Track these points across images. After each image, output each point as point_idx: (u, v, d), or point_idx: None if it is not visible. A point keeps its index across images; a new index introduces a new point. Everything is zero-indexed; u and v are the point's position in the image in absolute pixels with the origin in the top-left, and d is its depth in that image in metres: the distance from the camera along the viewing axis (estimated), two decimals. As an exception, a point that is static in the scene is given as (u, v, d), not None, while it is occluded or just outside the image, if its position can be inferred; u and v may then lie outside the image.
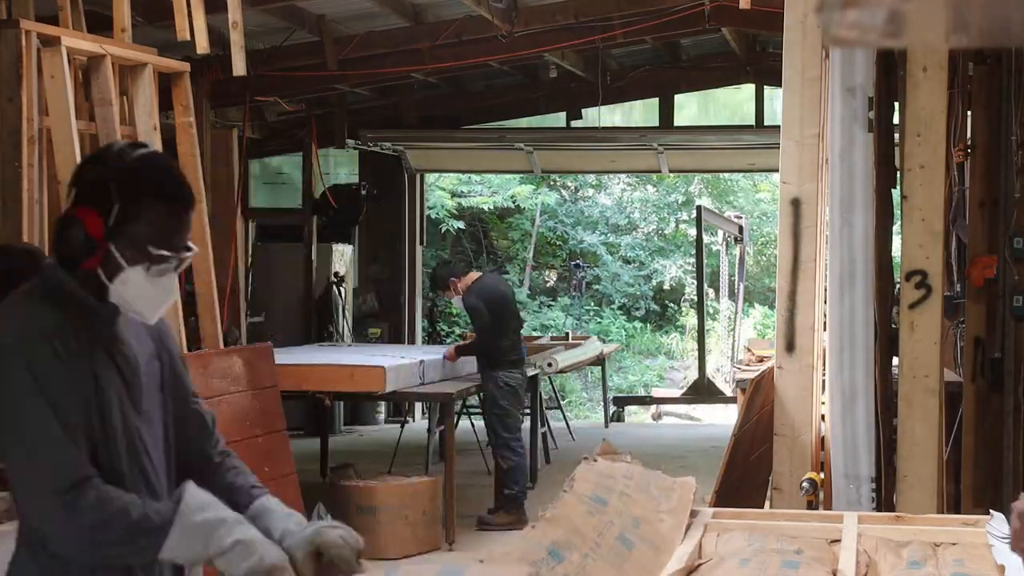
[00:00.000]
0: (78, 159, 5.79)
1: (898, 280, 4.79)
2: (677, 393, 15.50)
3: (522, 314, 18.29)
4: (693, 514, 3.29)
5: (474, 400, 11.49)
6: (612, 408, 14.07)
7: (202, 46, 6.43)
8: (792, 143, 4.98)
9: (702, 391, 14.20)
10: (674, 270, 20.42)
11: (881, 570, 2.80)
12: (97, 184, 2.45)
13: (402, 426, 11.27)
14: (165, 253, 2.43)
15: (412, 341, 13.45)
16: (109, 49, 6.14)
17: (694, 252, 16.23)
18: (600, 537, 2.92)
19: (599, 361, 12.93)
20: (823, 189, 4.99)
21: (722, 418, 13.72)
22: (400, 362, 8.30)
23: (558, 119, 12.88)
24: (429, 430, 10.93)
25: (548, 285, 20.73)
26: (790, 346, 4.89)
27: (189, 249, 2.48)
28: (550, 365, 10.34)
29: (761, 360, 8.09)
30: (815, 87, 4.95)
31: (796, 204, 4.98)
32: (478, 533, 8.29)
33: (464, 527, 8.26)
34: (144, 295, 2.46)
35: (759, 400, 5.08)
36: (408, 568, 2.19)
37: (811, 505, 4.60)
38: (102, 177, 2.45)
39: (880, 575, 2.78)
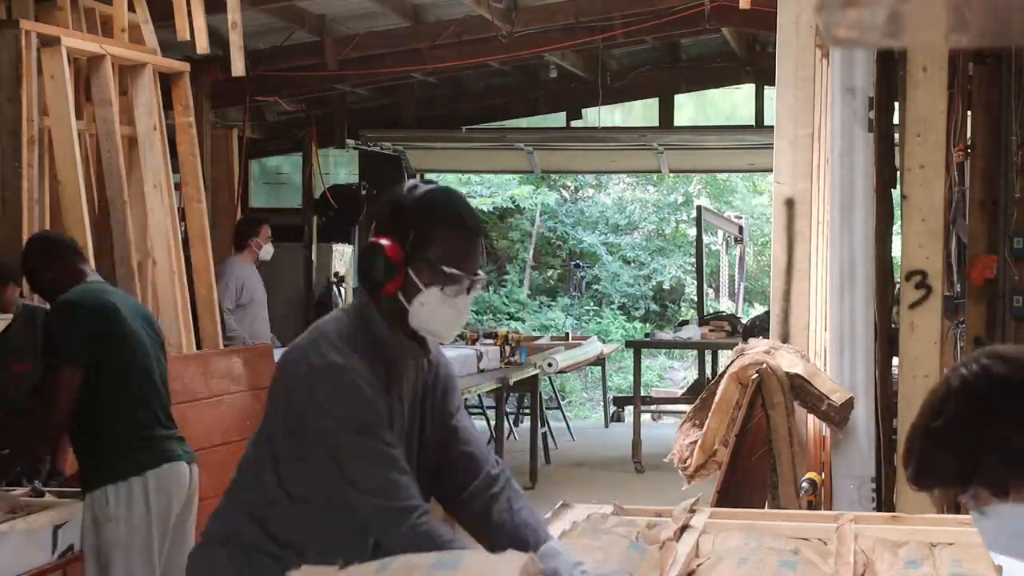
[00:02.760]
0: (78, 159, 5.80)
1: (898, 280, 4.79)
2: (677, 393, 15.50)
3: (521, 314, 18.24)
4: (692, 513, 3.29)
5: (473, 399, 11.50)
6: (612, 408, 14.07)
7: (202, 46, 6.44)
8: (786, 143, 4.98)
9: (702, 391, 14.17)
10: (674, 270, 20.42)
11: (879, 570, 2.80)
12: (393, 216, 2.67)
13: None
14: (457, 273, 2.64)
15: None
16: (109, 49, 6.14)
17: (694, 252, 16.22)
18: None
19: (599, 361, 12.93)
20: (817, 189, 4.99)
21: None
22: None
23: (558, 119, 12.88)
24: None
25: (548, 285, 20.73)
26: (789, 346, 4.89)
27: (478, 273, 2.69)
28: (550, 365, 10.34)
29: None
30: (808, 87, 4.95)
31: (790, 204, 4.98)
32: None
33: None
34: (439, 315, 2.67)
35: (759, 400, 5.07)
36: (404, 558, 2.19)
37: (811, 505, 4.60)
38: (396, 209, 2.68)
39: (877, 575, 2.78)
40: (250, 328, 9.28)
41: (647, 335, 15.95)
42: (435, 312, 2.66)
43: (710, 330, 11.97)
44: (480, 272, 2.69)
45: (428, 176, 14.54)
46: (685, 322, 13.17)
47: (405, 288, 2.65)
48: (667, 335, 13.25)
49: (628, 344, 12.89)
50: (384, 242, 2.63)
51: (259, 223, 9.42)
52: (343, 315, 2.73)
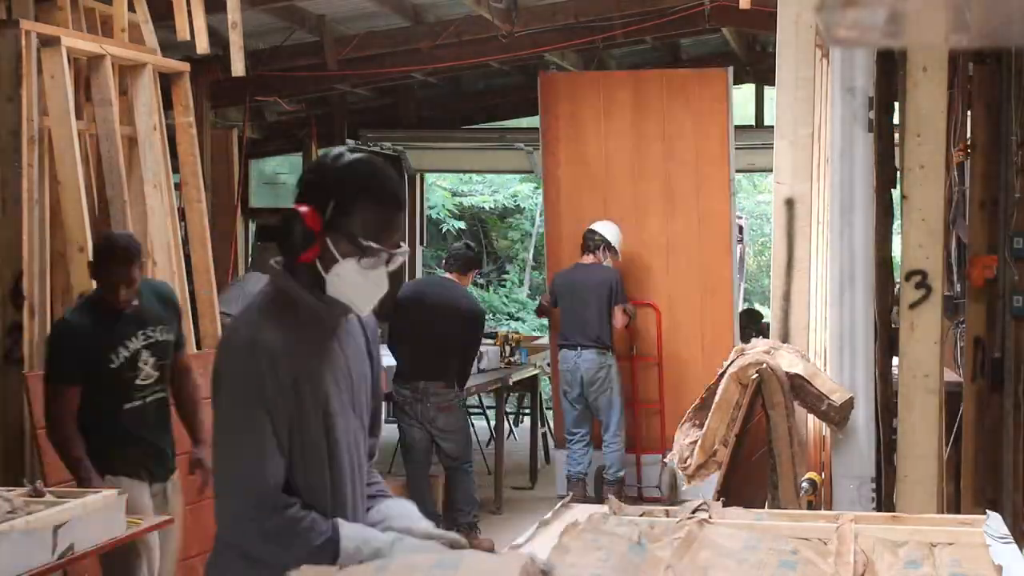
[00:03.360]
0: (78, 159, 5.80)
1: (898, 280, 4.79)
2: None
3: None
4: (693, 514, 3.29)
5: (473, 400, 11.48)
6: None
7: (202, 46, 6.44)
8: (786, 143, 4.98)
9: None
10: (674, 270, 20.39)
11: (879, 570, 2.80)
12: (315, 184, 2.68)
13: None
14: (374, 246, 2.63)
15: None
16: (109, 49, 6.14)
17: (694, 252, 16.18)
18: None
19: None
20: (817, 189, 4.99)
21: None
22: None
23: (558, 119, 12.88)
24: (429, 430, 10.91)
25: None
26: (788, 346, 4.89)
27: (399, 247, 2.68)
28: (550, 365, 10.33)
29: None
30: (808, 87, 4.95)
31: (790, 204, 4.98)
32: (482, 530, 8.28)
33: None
34: (357, 287, 2.67)
35: (759, 400, 5.07)
36: (403, 559, 2.19)
37: (811, 505, 4.60)
38: (319, 177, 2.68)
39: (877, 575, 2.78)
40: None
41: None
42: (352, 284, 2.67)
43: None
44: (401, 245, 2.69)
45: (428, 176, 14.55)
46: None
47: (322, 257, 2.66)
48: None
49: None
50: (303, 209, 2.64)
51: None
52: (266, 288, 2.77)
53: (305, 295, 2.69)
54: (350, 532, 2.66)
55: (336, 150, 2.76)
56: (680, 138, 9.36)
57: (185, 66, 6.80)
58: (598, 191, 9.46)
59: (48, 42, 5.76)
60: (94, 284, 5.18)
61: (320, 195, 2.65)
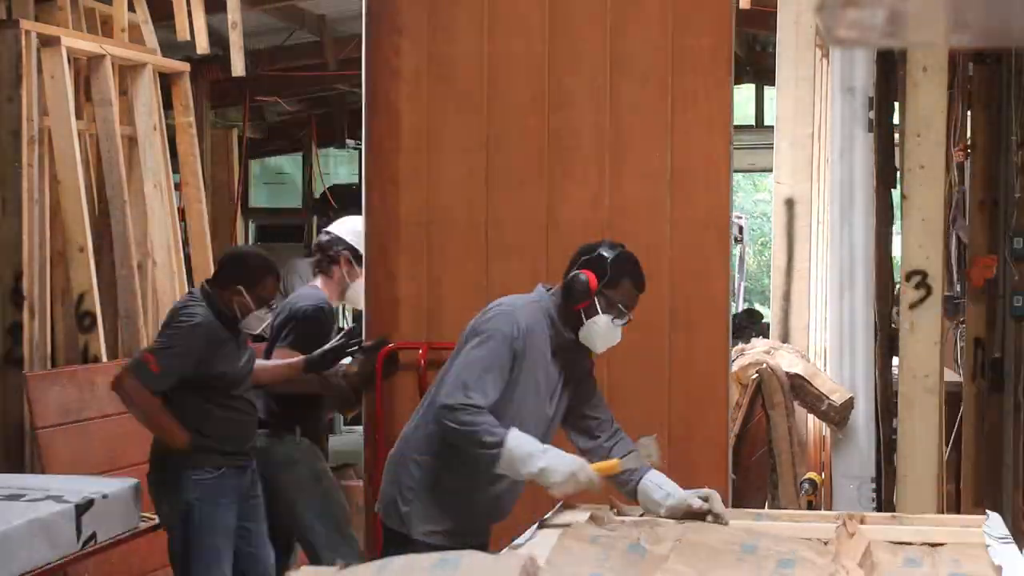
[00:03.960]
0: (78, 159, 5.80)
1: (898, 280, 4.79)
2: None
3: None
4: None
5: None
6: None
7: (202, 46, 6.44)
8: (786, 143, 4.99)
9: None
10: (674, 270, 20.39)
11: (878, 570, 2.80)
12: (599, 261, 3.66)
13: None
14: (623, 310, 3.65)
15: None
16: (109, 49, 6.14)
17: (694, 252, 16.18)
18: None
19: (599, 361, 12.88)
20: (817, 189, 4.99)
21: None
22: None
23: (558, 119, 12.85)
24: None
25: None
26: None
27: (628, 312, 3.68)
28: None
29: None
30: (808, 87, 4.95)
31: (790, 204, 4.98)
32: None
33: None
34: (604, 334, 3.66)
35: (759, 400, 5.08)
36: (403, 559, 2.19)
37: (811, 505, 4.61)
38: (603, 256, 3.66)
39: (877, 575, 2.78)
40: None
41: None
42: (600, 332, 3.65)
43: None
44: (631, 314, 3.69)
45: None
46: None
47: (588, 310, 3.64)
48: None
49: None
50: (588, 274, 3.63)
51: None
52: (539, 299, 3.74)
53: (558, 323, 3.66)
54: (516, 438, 3.40)
55: (609, 242, 3.71)
56: (639, 33, 4.75)
57: (185, 66, 6.80)
58: (474, 135, 4.79)
59: (48, 42, 5.76)
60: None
61: (600, 268, 3.64)
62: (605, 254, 3.70)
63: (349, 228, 5.11)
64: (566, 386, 3.73)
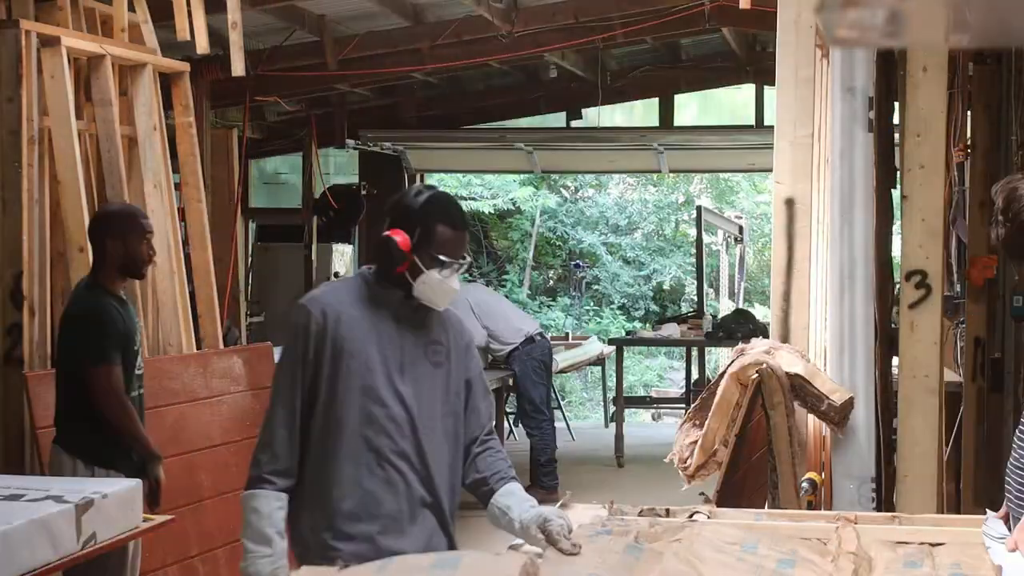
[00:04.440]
0: (78, 159, 5.80)
1: (898, 280, 4.79)
2: (677, 392, 15.50)
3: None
4: (692, 514, 3.29)
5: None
6: (612, 408, 14.08)
7: (202, 46, 6.43)
8: (786, 143, 4.98)
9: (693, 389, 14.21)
10: (674, 270, 20.42)
11: (878, 570, 2.80)
12: (404, 213, 3.46)
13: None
14: (448, 260, 3.42)
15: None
16: (109, 49, 6.14)
17: (694, 252, 16.23)
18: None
19: (599, 361, 12.92)
20: (817, 189, 4.98)
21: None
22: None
23: (558, 119, 12.87)
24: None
25: (548, 285, 20.72)
26: (788, 346, 4.88)
27: (464, 258, 3.47)
28: (550, 365, 10.34)
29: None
30: (808, 87, 4.95)
31: (790, 204, 4.97)
32: (476, 529, 8.27)
33: (464, 523, 8.24)
34: (437, 290, 3.45)
35: (759, 400, 5.07)
36: (403, 559, 2.19)
37: (811, 505, 4.60)
38: (406, 208, 3.46)
39: (877, 574, 2.78)
40: None
41: (628, 333, 16.00)
42: (433, 288, 3.45)
43: (688, 328, 12.12)
44: (466, 256, 3.50)
45: (428, 177, 14.57)
46: (665, 320, 13.29)
47: (411, 270, 3.43)
48: (649, 333, 13.35)
49: (610, 342, 12.95)
50: (397, 236, 3.43)
51: None
52: (351, 278, 3.59)
53: (375, 286, 3.47)
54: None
55: (415, 188, 3.56)
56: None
57: (185, 66, 6.80)
58: None
59: (48, 42, 5.76)
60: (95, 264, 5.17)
61: (408, 222, 3.45)
62: (409, 204, 3.48)
63: None
64: (449, 354, 3.53)
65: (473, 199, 18.89)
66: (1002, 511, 3.16)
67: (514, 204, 19.18)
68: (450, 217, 3.47)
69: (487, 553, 2.47)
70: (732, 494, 4.56)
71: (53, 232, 5.88)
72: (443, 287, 3.46)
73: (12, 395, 5.51)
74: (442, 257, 3.43)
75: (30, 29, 5.67)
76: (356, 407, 3.33)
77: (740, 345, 4.86)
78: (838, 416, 4.58)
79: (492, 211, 19.23)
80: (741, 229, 16.75)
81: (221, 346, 6.73)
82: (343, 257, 12.72)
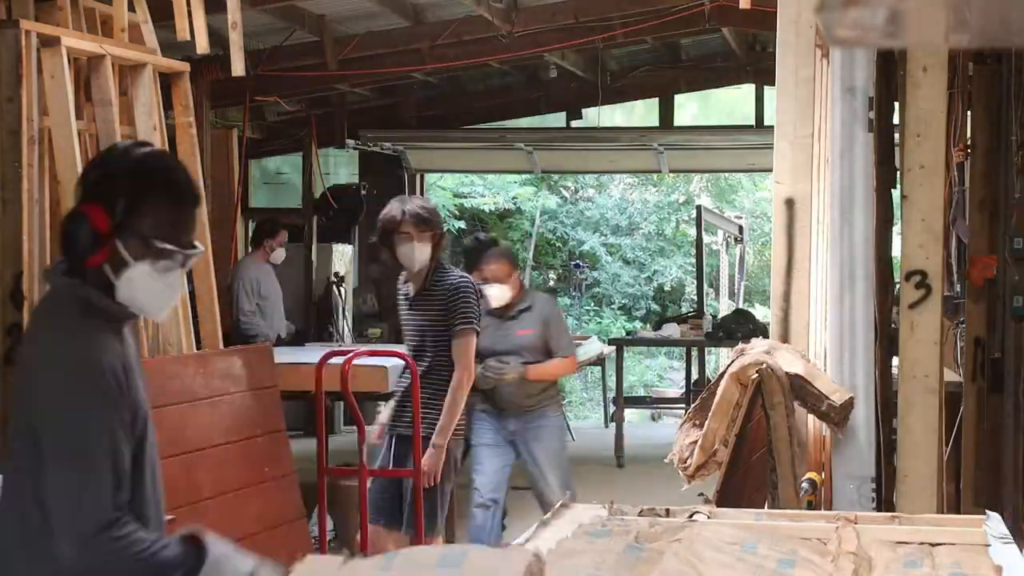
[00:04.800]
0: (78, 159, 5.79)
1: (898, 280, 4.79)
2: (677, 393, 15.51)
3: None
4: (692, 514, 3.29)
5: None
6: (612, 408, 14.08)
7: (202, 46, 6.43)
8: (786, 143, 4.98)
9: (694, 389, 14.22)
10: (674, 270, 20.42)
11: (878, 570, 2.80)
12: (102, 181, 2.49)
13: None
14: (170, 247, 2.47)
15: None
16: (109, 49, 6.14)
17: (694, 252, 16.24)
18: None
19: (599, 361, 12.92)
20: (817, 189, 4.98)
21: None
22: (399, 362, 8.29)
23: (558, 119, 12.88)
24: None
25: (548, 285, 20.73)
26: (788, 346, 4.88)
27: (195, 247, 2.51)
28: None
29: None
30: (808, 87, 4.94)
31: (790, 204, 4.97)
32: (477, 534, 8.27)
33: (464, 526, 8.25)
34: (151, 291, 2.50)
35: (759, 400, 5.07)
36: (409, 552, 2.19)
37: (811, 505, 4.60)
38: (107, 174, 2.50)
39: (876, 574, 2.78)
40: (268, 326, 9.60)
41: (629, 333, 16.01)
42: (146, 288, 2.49)
43: (688, 328, 12.14)
44: (197, 244, 2.54)
45: (428, 176, 14.55)
46: (665, 320, 13.30)
47: (112, 261, 2.47)
48: (649, 333, 13.36)
49: (610, 342, 12.96)
50: (89, 211, 2.45)
51: (277, 226, 9.82)
52: (61, 303, 2.51)
53: (104, 299, 2.49)
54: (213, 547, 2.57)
55: (122, 144, 2.66)
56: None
57: (185, 66, 6.79)
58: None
59: (48, 42, 5.76)
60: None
61: (109, 193, 2.46)
62: (113, 165, 2.52)
63: None
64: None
65: (472, 197, 18.89)
66: None
67: (514, 203, 19.18)
68: (173, 183, 2.51)
69: (492, 548, 2.47)
70: (732, 494, 4.56)
71: (53, 232, 5.88)
72: (159, 288, 2.51)
73: (12, 394, 5.50)
74: (159, 243, 2.47)
75: (30, 29, 5.67)
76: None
77: (740, 345, 4.86)
78: (838, 416, 4.58)
79: (492, 209, 19.23)
80: (741, 229, 16.76)
81: (220, 346, 6.73)
82: (343, 257, 12.73)
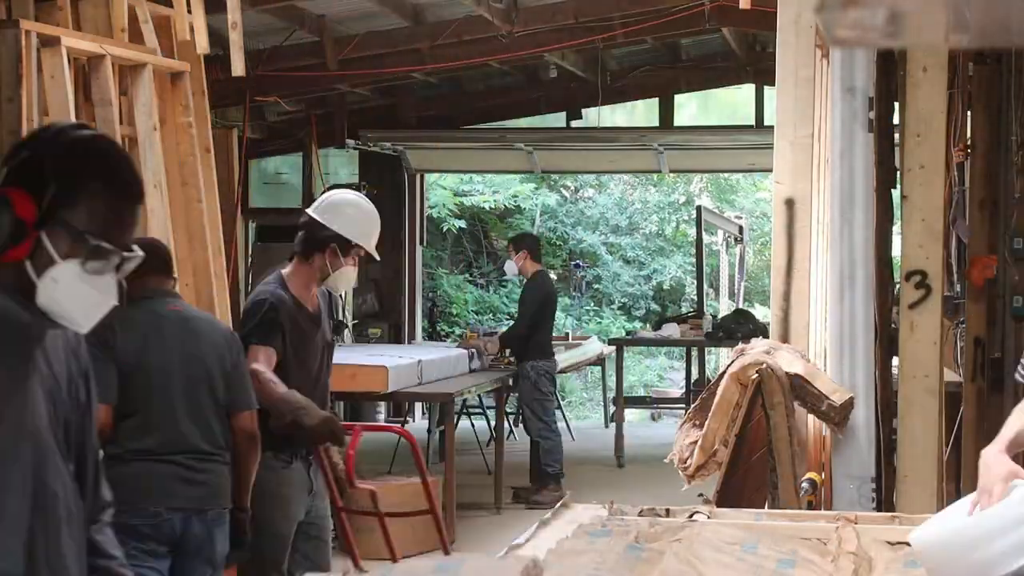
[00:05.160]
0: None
1: (898, 280, 4.79)
2: (677, 393, 15.51)
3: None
4: (692, 514, 3.29)
5: (474, 400, 11.49)
6: (612, 408, 14.08)
7: (202, 46, 6.43)
8: (786, 143, 4.98)
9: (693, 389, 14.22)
10: (674, 270, 20.42)
11: (878, 569, 2.80)
12: (31, 163, 2.13)
13: (402, 426, 11.27)
14: (105, 245, 2.12)
15: (412, 341, 13.46)
16: (109, 49, 6.14)
17: (694, 252, 16.24)
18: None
19: (599, 361, 12.92)
20: (817, 189, 4.99)
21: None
22: (400, 362, 8.31)
23: (558, 119, 12.88)
24: (429, 430, 10.94)
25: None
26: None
27: (131, 249, 2.17)
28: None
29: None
30: (808, 87, 4.95)
31: (790, 204, 4.98)
32: (478, 534, 8.28)
33: (464, 526, 8.26)
34: (78, 296, 2.12)
35: (759, 400, 5.07)
36: (404, 565, 2.19)
37: (811, 505, 4.60)
38: (37, 155, 2.15)
39: (876, 574, 2.78)
40: None
41: (629, 333, 16.03)
42: (72, 292, 2.11)
43: (688, 328, 12.16)
44: (135, 248, 2.18)
45: (428, 176, 14.55)
46: (665, 320, 13.32)
47: (34, 255, 2.10)
48: (649, 333, 13.37)
49: (610, 342, 12.97)
50: (12, 195, 2.08)
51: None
52: None
53: (8, 301, 2.12)
54: None
55: (59, 124, 2.34)
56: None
57: (185, 65, 6.79)
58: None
59: (48, 42, 5.75)
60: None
61: (37, 178, 2.10)
62: (45, 145, 2.16)
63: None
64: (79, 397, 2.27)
65: (472, 195, 18.89)
66: None
67: (514, 201, 19.18)
68: (115, 172, 2.17)
69: (488, 556, 2.47)
70: (732, 494, 4.57)
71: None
72: (88, 292, 2.12)
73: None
74: (93, 239, 2.11)
75: (30, 29, 5.67)
76: None
77: (740, 345, 4.87)
78: (838, 416, 4.58)
79: (492, 207, 19.23)
80: (741, 229, 16.75)
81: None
82: (343, 257, 12.71)
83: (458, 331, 16.21)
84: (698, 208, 15.32)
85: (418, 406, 12.87)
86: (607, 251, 20.26)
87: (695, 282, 16.97)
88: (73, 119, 5.80)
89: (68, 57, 5.85)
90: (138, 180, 2.25)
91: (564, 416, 13.25)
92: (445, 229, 18.30)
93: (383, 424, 5.83)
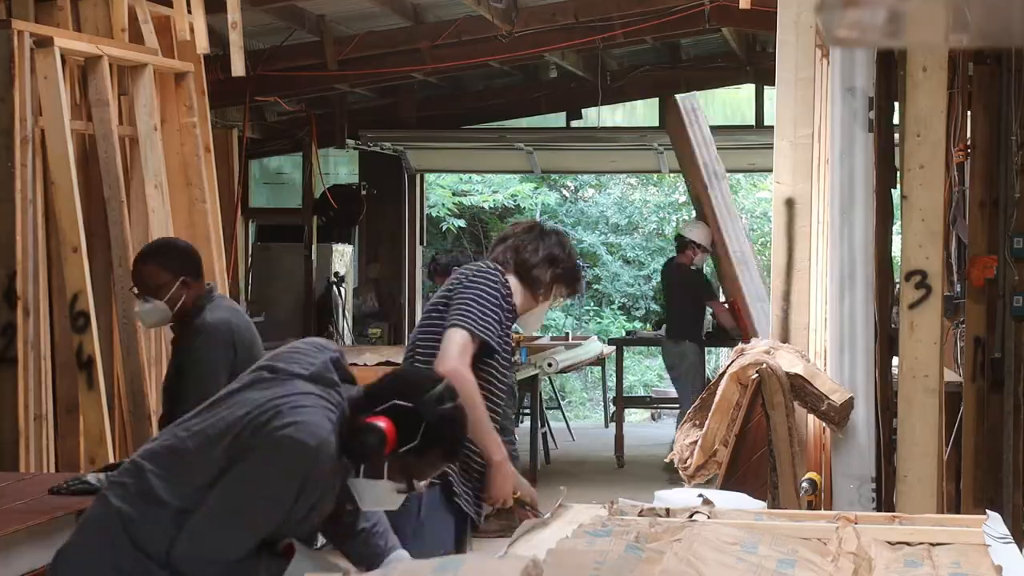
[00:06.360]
0: (71, 160, 5.77)
1: (898, 280, 4.79)
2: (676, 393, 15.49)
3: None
4: (692, 513, 3.29)
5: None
6: (612, 408, 14.08)
7: (202, 46, 6.43)
8: (786, 143, 4.98)
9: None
10: (674, 270, 20.40)
11: (878, 569, 2.79)
12: (411, 417, 2.84)
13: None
14: (418, 486, 2.88)
15: (412, 341, 13.44)
16: (106, 50, 6.12)
17: (694, 252, 16.20)
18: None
19: (599, 361, 12.91)
20: (817, 189, 4.99)
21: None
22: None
23: (558, 119, 12.86)
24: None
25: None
26: (787, 346, 4.88)
27: (420, 484, 2.92)
28: (550, 365, 10.32)
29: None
30: (808, 87, 4.94)
31: (790, 204, 4.98)
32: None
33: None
34: (370, 498, 2.90)
35: (759, 400, 5.07)
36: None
37: (811, 505, 4.60)
38: (417, 414, 2.85)
39: (876, 574, 2.78)
40: None
41: (629, 333, 16.02)
42: (367, 495, 2.89)
43: None
44: (424, 486, 2.97)
45: (428, 176, 14.54)
46: (663, 321, 13.31)
47: (369, 468, 2.87)
48: (649, 333, 13.36)
49: (610, 342, 12.95)
50: (387, 429, 2.82)
51: None
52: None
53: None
54: None
55: (439, 387, 2.91)
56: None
57: (188, 66, 6.79)
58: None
59: (41, 43, 5.74)
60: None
61: (408, 428, 2.83)
62: (423, 411, 2.88)
63: None
64: None
65: (472, 195, 18.88)
66: None
67: (514, 200, 19.18)
68: (460, 443, 3.01)
69: (489, 555, 2.47)
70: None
71: (49, 232, 5.86)
72: (374, 498, 2.93)
73: (6, 394, 5.50)
74: (416, 482, 2.92)
75: (23, 30, 5.66)
76: None
77: (740, 345, 4.86)
78: (838, 416, 4.58)
79: (492, 206, 19.22)
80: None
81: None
82: (343, 257, 12.73)
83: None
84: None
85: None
86: (607, 251, 20.25)
87: (695, 282, 16.92)
88: (67, 120, 5.78)
89: (64, 58, 5.84)
90: (461, 442, 3.02)
91: (564, 416, 13.25)
92: (444, 228, 18.30)
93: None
